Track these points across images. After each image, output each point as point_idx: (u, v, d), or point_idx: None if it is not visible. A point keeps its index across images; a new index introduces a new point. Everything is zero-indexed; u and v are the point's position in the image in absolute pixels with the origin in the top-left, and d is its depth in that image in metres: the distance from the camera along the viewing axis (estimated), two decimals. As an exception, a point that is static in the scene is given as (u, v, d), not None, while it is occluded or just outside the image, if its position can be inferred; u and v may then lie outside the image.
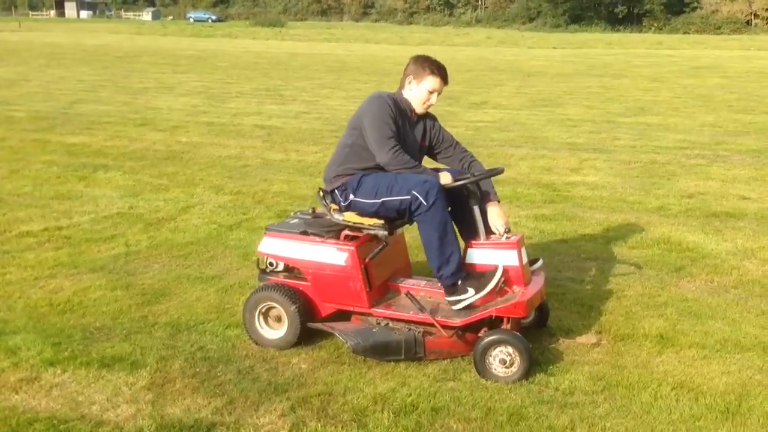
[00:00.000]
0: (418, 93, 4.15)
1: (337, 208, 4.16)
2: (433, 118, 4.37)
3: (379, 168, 4.08)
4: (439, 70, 4.13)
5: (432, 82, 4.12)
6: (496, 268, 3.87)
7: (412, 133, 4.22)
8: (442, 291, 4.14)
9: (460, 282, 3.89)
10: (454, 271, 3.90)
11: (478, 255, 3.98)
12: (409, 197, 3.90)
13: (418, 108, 4.19)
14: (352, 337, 3.89)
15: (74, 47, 35.38)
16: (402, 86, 4.21)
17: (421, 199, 3.87)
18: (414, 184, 3.90)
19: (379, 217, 4.04)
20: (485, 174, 4.12)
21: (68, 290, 4.90)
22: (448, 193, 3.99)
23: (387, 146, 3.98)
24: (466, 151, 4.41)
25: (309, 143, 10.63)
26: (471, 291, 3.85)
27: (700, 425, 3.36)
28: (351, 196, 4.10)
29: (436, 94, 4.16)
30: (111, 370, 3.78)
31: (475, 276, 3.90)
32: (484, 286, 3.83)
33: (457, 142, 4.43)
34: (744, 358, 4.02)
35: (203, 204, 7.15)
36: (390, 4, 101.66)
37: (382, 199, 3.99)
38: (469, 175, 4.08)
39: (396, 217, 4.10)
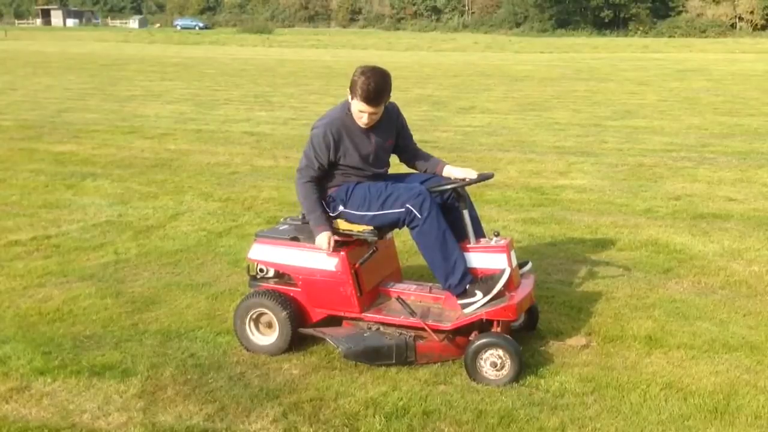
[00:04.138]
0: (353, 109, 3.99)
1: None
2: (396, 109, 4.25)
3: (366, 178, 4.09)
4: (365, 95, 3.87)
5: (359, 105, 3.93)
6: (502, 271, 3.88)
7: (370, 139, 4.09)
8: (433, 295, 4.17)
9: (468, 286, 3.90)
10: (461, 278, 3.90)
11: (468, 259, 3.99)
12: (402, 210, 3.91)
13: (359, 122, 4.02)
14: (344, 342, 3.91)
15: (61, 56, 35.24)
16: None
17: (415, 212, 3.88)
18: (408, 197, 3.90)
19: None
20: (476, 179, 4.14)
21: (58, 299, 4.88)
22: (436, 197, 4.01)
23: (298, 175, 4.07)
24: (419, 149, 4.42)
25: (298, 149, 10.56)
26: (479, 294, 3.86)
27: (689, 425, 3.39)
28: (341, 207, 4.09)
29: (366, 114, 3.96)
30: (102, 379, 3.78)
31: (483, 279, 3.92)
32: (492, 288, 3.84)
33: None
34: (732, 358, 4.06)
35: (192, 211, 7.14)
36: (377, 10, 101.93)
37: (375, 213, 4.00)
38: (459, 180, 4.10)
39: (388, 228, 4.13)
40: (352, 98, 3.96)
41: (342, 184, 4.11)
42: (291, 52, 43.05)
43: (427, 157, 4.42)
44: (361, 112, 3.96)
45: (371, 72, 3.92)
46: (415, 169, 4.43)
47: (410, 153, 4.39)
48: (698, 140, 11.50)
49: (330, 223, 4.06)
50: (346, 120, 4.04)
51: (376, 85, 3.88)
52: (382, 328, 4.03)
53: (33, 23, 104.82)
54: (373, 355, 3.88)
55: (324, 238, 3.97)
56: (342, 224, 4.10)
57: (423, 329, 3.92)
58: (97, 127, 12.62)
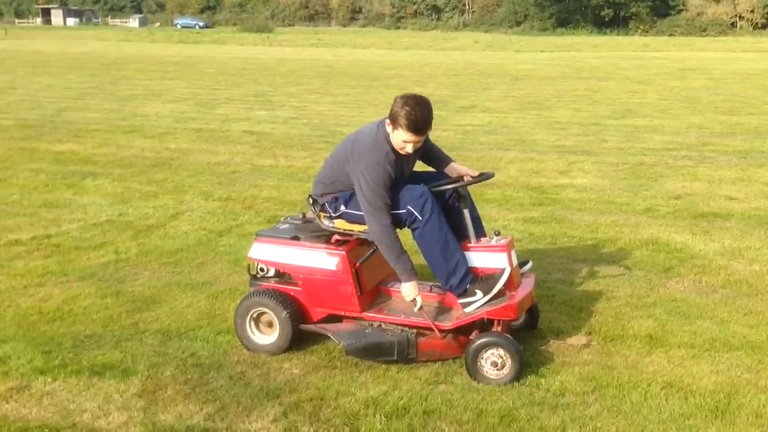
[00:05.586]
0: (395, 139, 3.91)
1: (327, 215, 4.16)
2: None
3: None
4: (413, 125, 3.80)
5: (404, 135, 3.85)
6: (502, 270, 3.88)
7: (409, 162, 4.11)
8: (433, 294, 4.17)
9: (469, 285, 3.90)
10: (462, 278, 3.89)
11: (468, 258, 3.99)
12: (404, 212, 3.91)
13: (401, 151, 3.97)
14: (345, 337, 3.90)
15: (61, 55, 35.24)
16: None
17: (416, 214, 3.88)
18: (409, 199, 3.90)
19: None
20: (476, 179, 4.14)
21: (58, 298, 4.88)
22: (437, 197, 4.00)
23: (375, 216, 3.88)
24: (433, 145, 4.38)
25: (298, 149, 10.64)
26: (480, 293, 3.86)
27: (689, 424, 3.39)
28: (342, 208, 4.09)
29: (412, 143, 3.90)
30: (102, 378, 3.78)
31: (483, 278, 3.92)
32: (492, 287, 3.84)
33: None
34: (732, 357, 4.06)
35: (192, 210, 7.14)
36: (377, 9, 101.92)
37: None
38: (460, 180, 4.10)
39: None
40: (394, 129, 3.88)
41: (348, 189, 4.09)
42: (291, 51, 43.03)
43: (437, 154, 4.39)
44: (406, 142, 3.89)
45: (414, 101, 3.84)
46: (426, 165, 4.41)
47: (426, 150, 4.32)
48: (699, 139, 11.50)
49: (415, 271, 3.99)
50: (393, 149, 3.95)
51: (422, 115, 3.82)
52: (383, 325, 4.03)
53: (33, 22, 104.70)
54: (374, 351, 3.88)
55: (412, 288, 3.91)
56: (342, 224, 4.10)
57: (425, 327, 3.91)
58: (98, 127, 12.62)
